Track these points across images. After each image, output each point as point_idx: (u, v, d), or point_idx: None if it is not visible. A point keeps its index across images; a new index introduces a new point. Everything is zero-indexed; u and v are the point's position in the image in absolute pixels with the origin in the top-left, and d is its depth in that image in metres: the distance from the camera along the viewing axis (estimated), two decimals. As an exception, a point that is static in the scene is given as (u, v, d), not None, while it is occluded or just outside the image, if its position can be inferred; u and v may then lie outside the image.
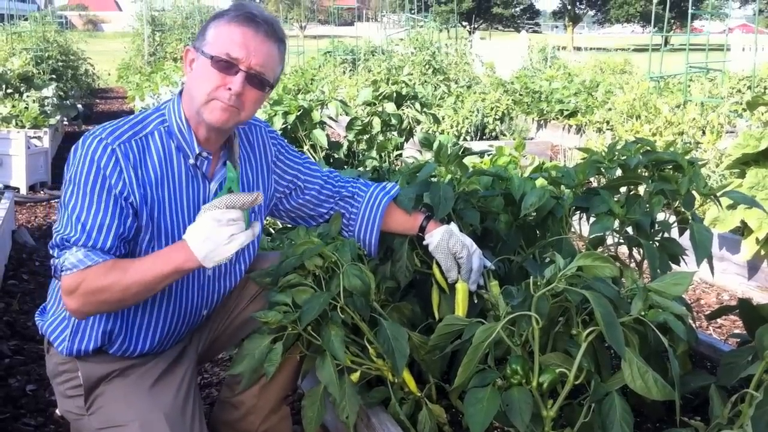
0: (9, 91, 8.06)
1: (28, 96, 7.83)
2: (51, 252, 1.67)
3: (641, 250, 2.08)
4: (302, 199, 2.02)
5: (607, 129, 7.84)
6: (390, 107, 5.13)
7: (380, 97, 5.30)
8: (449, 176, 2.16)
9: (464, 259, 1.93)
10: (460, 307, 1.95)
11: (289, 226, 3.22)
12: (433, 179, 2.12)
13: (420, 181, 2.10)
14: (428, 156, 2.20)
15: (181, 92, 1.77)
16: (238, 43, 1.66)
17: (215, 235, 1.56)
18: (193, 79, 1.70)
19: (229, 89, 1.65)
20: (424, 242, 1.98)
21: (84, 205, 1.61)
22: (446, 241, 1.92)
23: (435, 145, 2.16)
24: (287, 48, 1.81)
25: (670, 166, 2.14)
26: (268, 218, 3.61)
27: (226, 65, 1.65)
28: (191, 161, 1.73)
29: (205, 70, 1.67)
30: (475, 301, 2.00)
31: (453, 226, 1.98)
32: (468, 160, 2.44)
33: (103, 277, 1.58)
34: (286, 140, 2.06)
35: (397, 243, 2.05)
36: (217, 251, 1.57)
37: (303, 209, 2.04)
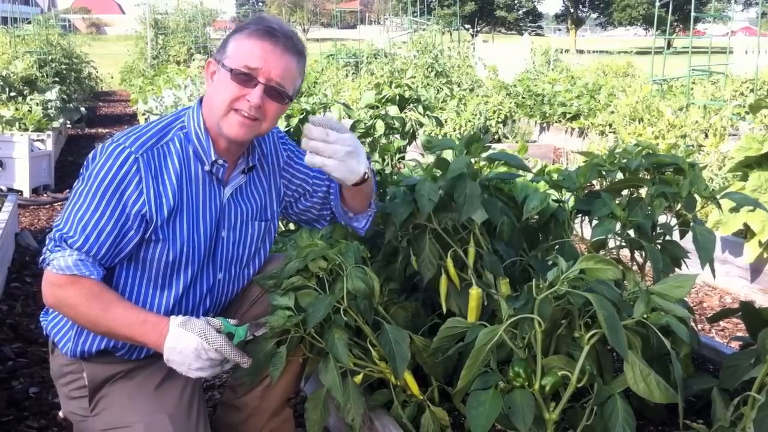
0: (12, 94, 8.10)
1: (31, 99, 7.86)
2: (46, 243, 1.68)
3: (643, 253, 2.08)
4: (310, 202, 2.02)
5: (610, 132, 7.84)
6: (393, 110, 5.14)
7: (383, 100, 5.31)
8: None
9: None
10: (474, 313, 1.93)
11: (291, 228, 3.24)
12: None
13: (450, 177, 1.97)
14: (430, 159, 2.18)
15: (201, 99, 1.79)
16: (257, 55, 1.68)
17: (188, 359, 1.61)
18: (214, 90, 1.72)
19: (248, 101, 1.68)
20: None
21: (90, 206, 1.63)
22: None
23: (463, 140, 2.05)
24: (307, 61, 1.82)
25: (672, 169, 2.14)
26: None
27: (245, 77, 1.67)
28: (207, 168, 1.75)
29: (225, 82, 1.69)
30: (485, 303, 1.98)
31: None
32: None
33: (83, 301, 1.62)
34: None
35: (419, 235, 1.99)
36: (180, 368, 1.63)
37: (311, 211, 2.04)
